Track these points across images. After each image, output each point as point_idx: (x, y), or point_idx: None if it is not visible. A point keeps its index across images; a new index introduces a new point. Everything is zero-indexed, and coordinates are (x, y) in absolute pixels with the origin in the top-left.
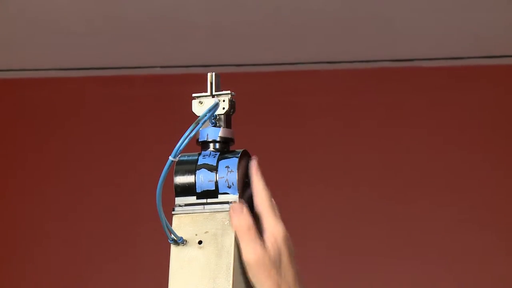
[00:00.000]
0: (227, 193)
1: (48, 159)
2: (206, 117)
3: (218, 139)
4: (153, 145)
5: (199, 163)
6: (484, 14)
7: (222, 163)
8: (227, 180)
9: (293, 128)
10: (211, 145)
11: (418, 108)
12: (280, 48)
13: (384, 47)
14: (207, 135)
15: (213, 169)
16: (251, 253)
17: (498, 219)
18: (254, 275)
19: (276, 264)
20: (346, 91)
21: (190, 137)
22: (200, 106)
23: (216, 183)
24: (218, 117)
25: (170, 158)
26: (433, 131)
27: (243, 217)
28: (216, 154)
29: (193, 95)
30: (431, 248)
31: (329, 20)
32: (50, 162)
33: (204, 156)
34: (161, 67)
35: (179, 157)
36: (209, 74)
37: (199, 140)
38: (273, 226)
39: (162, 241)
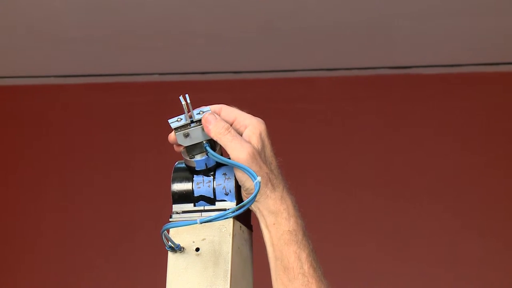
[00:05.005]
0: (225, 200)
1: (46, 164)
2: (247, 206)
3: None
4: (151, 151)
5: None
6: (482, 22)
7: (220, 170)
8: (224, 187)
9: (291, 134)
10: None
11: (416, 115)
12: (278, 55)
13: (382, 54)
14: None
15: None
16: (241, 150)
17: (498, 223)
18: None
19: (262, 156)
20: (344, 98)
21: (226, 218)
22: (187, 138)
23: (214, 190)
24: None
25: (198, 221)
26: (431, 137)
27: (219, 122)
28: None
29: (172, 125)
30: (430, 250)
31: (327, 27)
32: (47, 167)
33: None
34: (159, 74)
35: (177, 164)
36: (182, 101)
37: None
38: (255, 122)
39: (159, 248)
